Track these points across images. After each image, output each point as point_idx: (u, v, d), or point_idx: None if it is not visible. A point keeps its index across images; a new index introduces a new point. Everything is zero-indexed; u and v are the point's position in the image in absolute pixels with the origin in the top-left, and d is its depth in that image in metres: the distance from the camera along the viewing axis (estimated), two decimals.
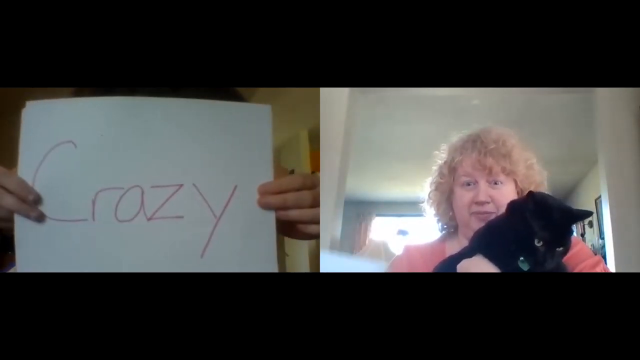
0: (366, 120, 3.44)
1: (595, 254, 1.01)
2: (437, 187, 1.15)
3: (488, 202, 1.03)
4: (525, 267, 0.83)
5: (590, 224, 4.71)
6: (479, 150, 1.07)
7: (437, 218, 1.16)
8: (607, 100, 2.18)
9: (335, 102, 2.29)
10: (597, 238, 4.29)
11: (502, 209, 0.98)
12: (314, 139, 4.56)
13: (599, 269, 0.95)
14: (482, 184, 1.05)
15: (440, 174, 1.15)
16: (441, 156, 1.17)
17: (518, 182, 1.07)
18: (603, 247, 2.28)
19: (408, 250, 1.17)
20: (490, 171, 1.05)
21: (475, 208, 1.04)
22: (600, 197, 2.23)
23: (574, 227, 0.89)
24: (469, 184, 1.07)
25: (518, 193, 1.07)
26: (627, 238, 2.02)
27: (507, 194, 1.04)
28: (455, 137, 1.16)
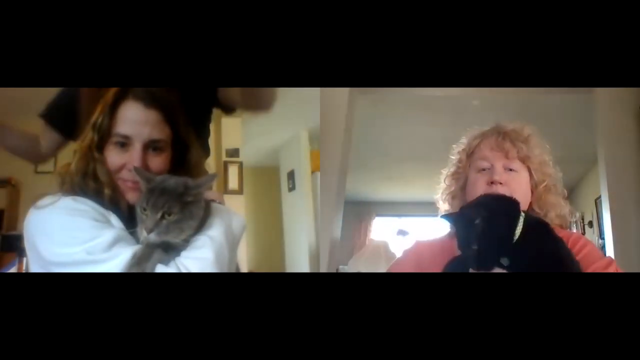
0: (366, 120, 3.44)
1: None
2: (453, 175, 1.15)
3: (502, 184, 1.03)
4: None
5: (590, 224, 4.71)
6: (498, 133, 1.09)
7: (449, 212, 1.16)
8: (607, 100, 2.18)
9: (335, 102, 2.29)
10: (597, 238, 4.29)
11: (515, 194, 0.99)
12: (314, 139, 4.57)
13: (611, 270, 0.94)
14: (498, 167, 1.05)
15: (458, 160, 1.15)
16: (459, 146, 1.18)
17: (532, 173, 1.07)
18: (603, 247, 2.28)
19: (417, 246, 1.16)
20: (507, 154, 1.05)
21: (489, 189, 1.03)
22: (600, 197, 2.23)
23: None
24: (483, 169, 1.07)
25: (532, 186, 1.07)
26: (627, 238, 2.02)
27: (520, 181, 1.05)
28: (475, 129, 1.17)
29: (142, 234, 0.82)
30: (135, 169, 0.86)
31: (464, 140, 1.17)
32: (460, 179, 1.13)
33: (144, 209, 0.82)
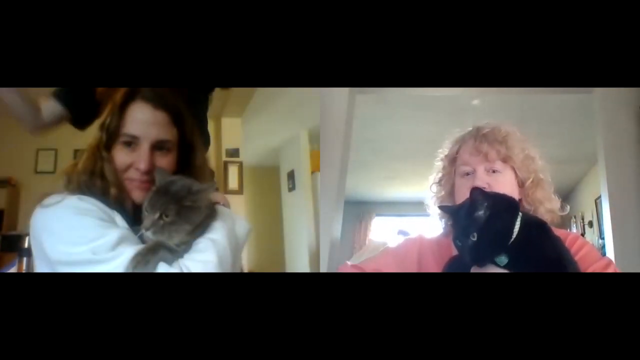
0: (366, 120, 3.44)
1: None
2: (440, 182, 1.15)
3: (485, 188, 1.01)
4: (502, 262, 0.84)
5: (590, 224, 4.71)
6: (475, 137, 1.09)
7: (440, 216, 1.16)
8: (607, 100, 2.18)
9: (335, 102, 2.29)
10: (597, 238, 4.29)
11: None
12: (314, 139, 4.57)
13: (610, 271, 0.94)
14: (480, 171, 1.05)
15: (443, 167, 1.15)
16: (442, 152, 1.17)
17: (517, 171, 1.06)
18: (603, 247, 2.28)
19: (421, 242, 1.15)
20: (486, 157, 1.05)
21: None
22: (600, 197, 2.23)
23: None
24: (467, 174, 1.07)
25: (518, 184, 1.07)
26: (627, 238, 2.02)
27: (505, 182, 1.04)
28: (457, 131, 1.17)
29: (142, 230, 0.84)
30: (158, 170, 0.88)
31: (446, 146, 1.17)
32: (447, 185, 1.13)
33: (146, 208, 0.84)
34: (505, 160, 1.06)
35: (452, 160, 1.13)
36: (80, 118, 1.35)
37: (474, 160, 1.06)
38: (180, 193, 0.85)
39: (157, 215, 0.83)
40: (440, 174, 1.16)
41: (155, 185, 0.87)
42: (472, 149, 1.07)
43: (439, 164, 1.17)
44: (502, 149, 1.05)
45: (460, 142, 1.12)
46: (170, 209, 0.83)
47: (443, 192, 1.14)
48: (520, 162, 1.07)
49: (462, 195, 1.05)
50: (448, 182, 1.13)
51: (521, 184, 1.07)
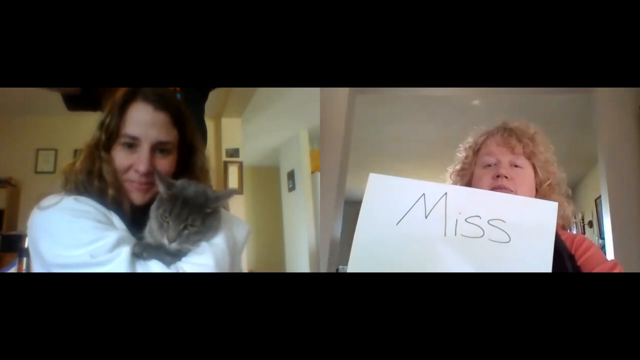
0: (366, 120, 3.44)
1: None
2: (459, 172, 1.16)
3: (507, 177, 1.03)
4: None
5: (590, 224, 4.71)
6: (504, 129, 1.11)
7: None
8: (607, 100, 2.18)
9: (335, 102, 2.30)
10: (597, 238, 4.29)
11: (520, 190, 1.01)
12: (314, 139, 4.57)
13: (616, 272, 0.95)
14: (504, 162, 1.06)
15: (465, 157, 1.16)
16: (466, 143, 1.18)
17: (537, 170, 1.07)
18: (603, 247, 2.28)
19: None
20: (512, 149, 1.07)
21: (494, 183, 1.04)
22: (600, 197, 2.23)
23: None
24: (489, 165, 1.08)
25: (536, 185, 1.08)
26: (627, 238, 2.03)
27: (525, 178, 1.06)
28: (481, 127, 1.18)
29: (163, 240, 0.82)
30: (157, 173, 0.86)
31: (470, 139, 1.18)
32: (466, 176, 1.14)
33: (165, 217, 0.82)
34: (530, 156, 1.07)
35: (476, 152, 1.14)
36: (72, 100, 1.35)
37: (500, 151, 1.07)
38: (199, 200, 0.84)
39: (181, 226, 0.81)
40: (460, 165, 1.17)
41: (165, 192, 0.84)
42: (499, 140, 1.09)
43: (461, 155, 1.18)
44: (530, 144, 1.07)
45: (487, 134, 1.14)
46: (196, 219, 0.82)
47: (460, 183, 1.15)
48: (543, 162, 1.09)
49: (480, 186, 1.06)
50: (468, 173, 1.14)
51: (538, 185, 1.08)
